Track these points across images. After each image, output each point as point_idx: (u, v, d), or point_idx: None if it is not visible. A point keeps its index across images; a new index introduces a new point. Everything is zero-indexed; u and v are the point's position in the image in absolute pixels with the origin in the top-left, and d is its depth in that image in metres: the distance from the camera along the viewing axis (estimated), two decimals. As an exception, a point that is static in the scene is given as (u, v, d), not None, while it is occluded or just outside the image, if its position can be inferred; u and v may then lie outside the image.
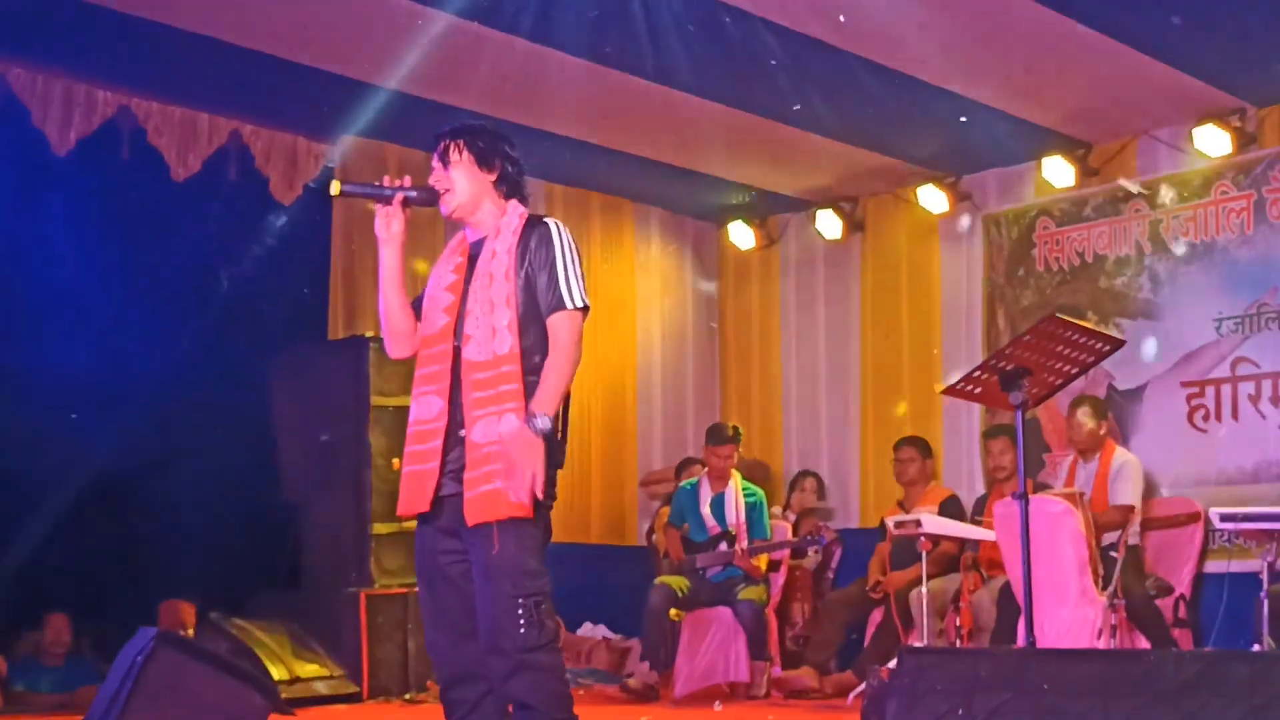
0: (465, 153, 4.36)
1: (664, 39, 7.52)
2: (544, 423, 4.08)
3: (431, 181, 4.38)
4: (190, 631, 7.99)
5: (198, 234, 8.33)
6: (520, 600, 4.09)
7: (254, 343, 8.56)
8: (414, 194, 4.36)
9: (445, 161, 4.37)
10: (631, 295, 10.75)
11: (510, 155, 4.42)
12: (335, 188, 4.37)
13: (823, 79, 8.04)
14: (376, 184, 4.41)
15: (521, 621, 4.07)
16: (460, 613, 4.21)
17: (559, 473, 4.27)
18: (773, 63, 7.77)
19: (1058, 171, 9.27)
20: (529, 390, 4.16)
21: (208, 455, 8.31)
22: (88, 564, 8.18)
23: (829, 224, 10.45)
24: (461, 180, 4.36)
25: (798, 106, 8.48)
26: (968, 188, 9.92)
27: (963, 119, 8.63)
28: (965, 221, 9.94)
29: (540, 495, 4.09)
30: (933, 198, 9.87)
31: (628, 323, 10.69)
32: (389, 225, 4.37)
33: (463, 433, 4.20)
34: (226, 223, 8.68)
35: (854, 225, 10.50)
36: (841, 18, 7.27)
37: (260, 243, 8.78)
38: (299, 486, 8.52)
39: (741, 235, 10.94)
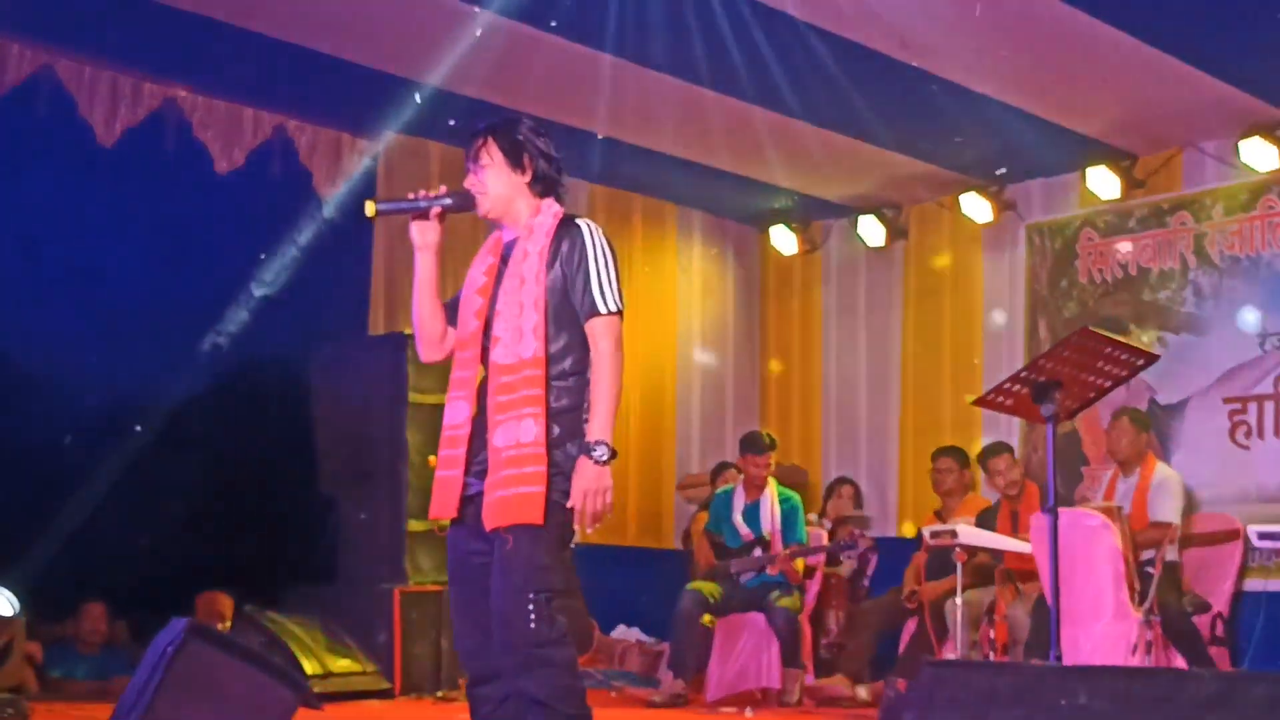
0: (497, 154, 4.31)
1: (707, 43, 7.52)
2: (602, 452, 4.06)
3: (466, 184, 4.33)
4: (227, 624, 8.04)
5: (240, 227, 8.38)
6: (531, 596, 4.06)
7: (294, 337, 8.59)
8: (449, 202, 4.31)
9: (478, 163, 4.33)
10: (672, 298, 10.74)
11: (544, 152, 4.34)
12: (370, 209, 4.34)
13: (867, 85, 8.01)
14: (411, 197, 4.35)
15: (532, 617, 4.05)
16: (487, 613, 4.18)
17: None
18: (818, 69, 7.75)
19: (1102, 182, 9.20)
20: (553, 396, 4.14)
21: (247, 448, 8.38)
22: (125, 554, 8.25)
23: (872, 230, 10.42)
24: (494, 182, 4.31)
25: (843, 114, 8.48)
26: (1012, 197, 9.87)
27: (992, 124, 8.57)
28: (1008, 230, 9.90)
29: (609, 511, 4.09)
30: (976, 206, 9.82)
31: (668, 326, 10.68)
32: (424, 234, 4.34)
33: (488, 436, 4.20)
34: (269, 217, 8.74)
35: (897, 232, 10.47)
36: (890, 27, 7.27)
37: (302, 237, 8.83)
38: (336, 481, 8.55)
39: (784, 240, 10.91)
